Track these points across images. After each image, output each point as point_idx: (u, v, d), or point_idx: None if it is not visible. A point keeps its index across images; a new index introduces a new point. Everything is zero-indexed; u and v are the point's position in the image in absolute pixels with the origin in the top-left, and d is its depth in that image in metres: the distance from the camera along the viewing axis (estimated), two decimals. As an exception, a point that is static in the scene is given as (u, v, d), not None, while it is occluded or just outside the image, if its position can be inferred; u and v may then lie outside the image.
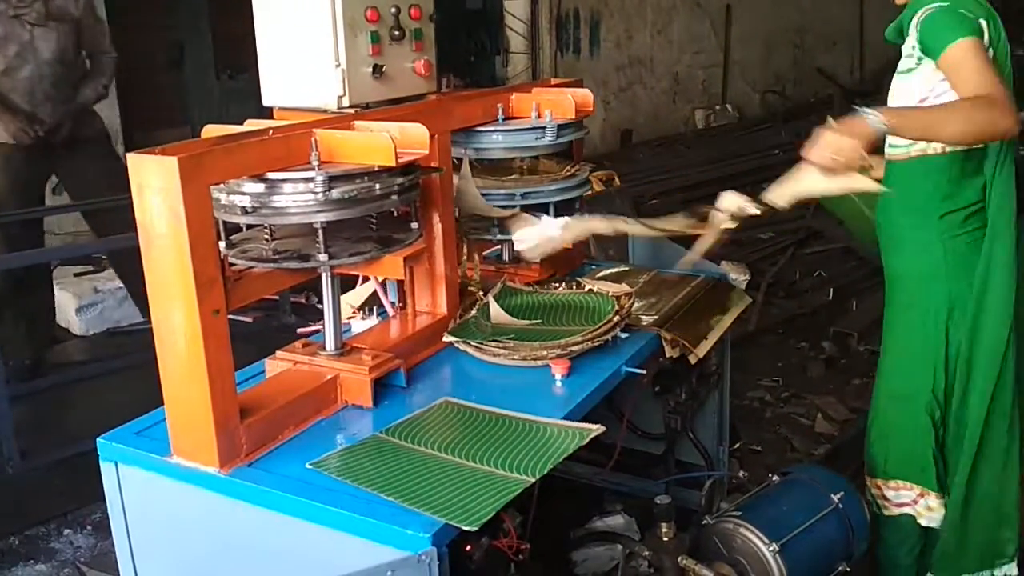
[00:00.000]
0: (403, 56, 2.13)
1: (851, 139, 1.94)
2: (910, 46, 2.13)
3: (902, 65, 2.18)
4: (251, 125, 1.89)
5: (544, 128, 2.30)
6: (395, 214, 1.96)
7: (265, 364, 1.96)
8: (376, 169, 1.79)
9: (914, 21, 2.09)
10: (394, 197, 1.83)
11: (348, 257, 1.82)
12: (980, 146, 2.10)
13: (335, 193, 1.73)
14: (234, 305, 1.69)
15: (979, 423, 2.22)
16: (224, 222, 1.77)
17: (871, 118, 1.95)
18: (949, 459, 2.32)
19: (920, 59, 2.10)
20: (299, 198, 1.73)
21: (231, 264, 1.77)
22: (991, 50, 2.06)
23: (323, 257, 1.79)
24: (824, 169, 1.96)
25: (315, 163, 1.74)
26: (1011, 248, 2.14)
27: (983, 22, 2.04)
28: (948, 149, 2.12)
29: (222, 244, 1.75)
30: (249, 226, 1.85)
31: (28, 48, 3.86)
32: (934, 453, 2.29)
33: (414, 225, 1.97)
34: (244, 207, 1.72)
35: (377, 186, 1.78)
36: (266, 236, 1.85)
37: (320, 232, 1.77)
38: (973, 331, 2.19)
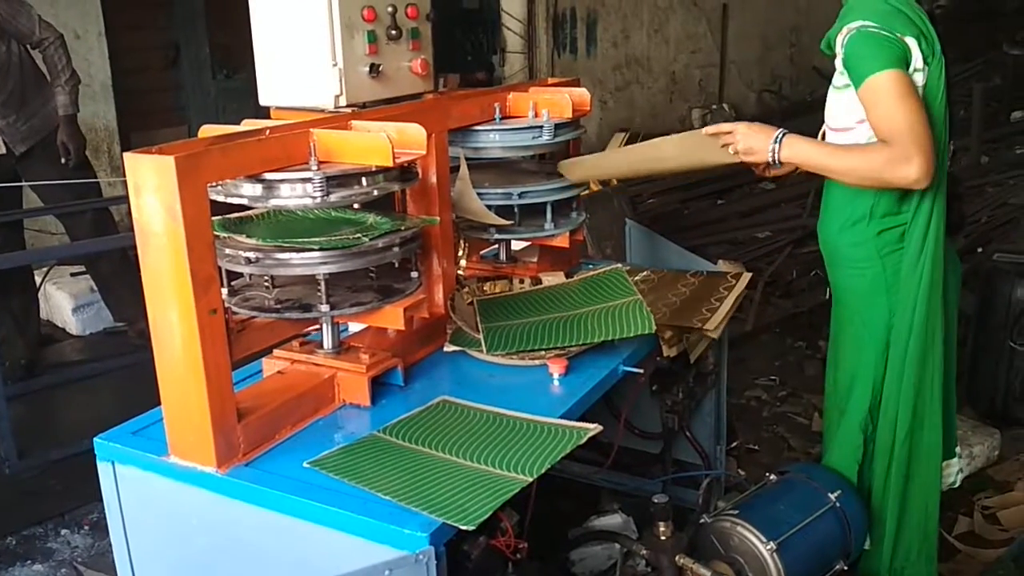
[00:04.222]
0: (400, 55, 2.13)
1: (760, 142, 2.07)
2: (840, 62, 2.03)
3: (836, 79, 2.08)
4: (248, 125, 1.89)
5: (541, 127, 2.30)
6: (395, 264, 1.97)
7: (262, 363, 1.96)
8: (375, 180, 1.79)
9: (839, 39, 2.01)
10: (396, 249, 1.85)
11: (349, 307, 1.86)
12: None
13: (333, 197, 1.73)
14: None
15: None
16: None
17: (773, 145, 2.03)
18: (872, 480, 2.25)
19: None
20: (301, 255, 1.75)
21: (234, 313, 1.81)
22: (924, 68, 1.96)
23: (325, 308, 1.83)
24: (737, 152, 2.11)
25: (313, 165, 1.74)
26: (939, 269, 2.07)
27: (911, 41, 1.95)
28: None
29: (224, 291, 1.77)
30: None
31: None
32: (861, 472, 2.24)
33: (414, 274, 1.98)
34: (248, 258, 1.75)
35: (380, 243, 1.80)
36: (267, 284, 1.88)
37: (322, 283, 1.80)
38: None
